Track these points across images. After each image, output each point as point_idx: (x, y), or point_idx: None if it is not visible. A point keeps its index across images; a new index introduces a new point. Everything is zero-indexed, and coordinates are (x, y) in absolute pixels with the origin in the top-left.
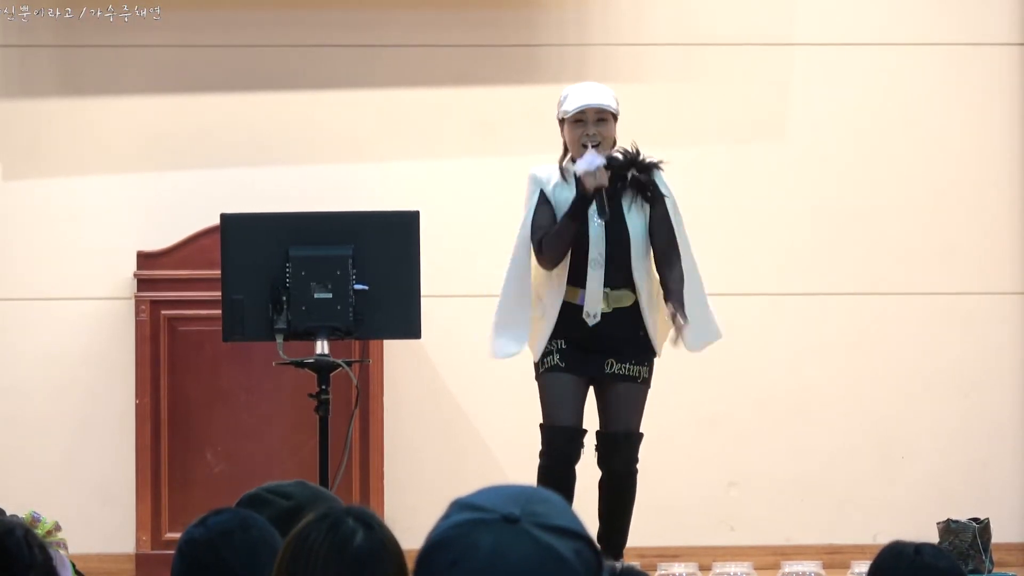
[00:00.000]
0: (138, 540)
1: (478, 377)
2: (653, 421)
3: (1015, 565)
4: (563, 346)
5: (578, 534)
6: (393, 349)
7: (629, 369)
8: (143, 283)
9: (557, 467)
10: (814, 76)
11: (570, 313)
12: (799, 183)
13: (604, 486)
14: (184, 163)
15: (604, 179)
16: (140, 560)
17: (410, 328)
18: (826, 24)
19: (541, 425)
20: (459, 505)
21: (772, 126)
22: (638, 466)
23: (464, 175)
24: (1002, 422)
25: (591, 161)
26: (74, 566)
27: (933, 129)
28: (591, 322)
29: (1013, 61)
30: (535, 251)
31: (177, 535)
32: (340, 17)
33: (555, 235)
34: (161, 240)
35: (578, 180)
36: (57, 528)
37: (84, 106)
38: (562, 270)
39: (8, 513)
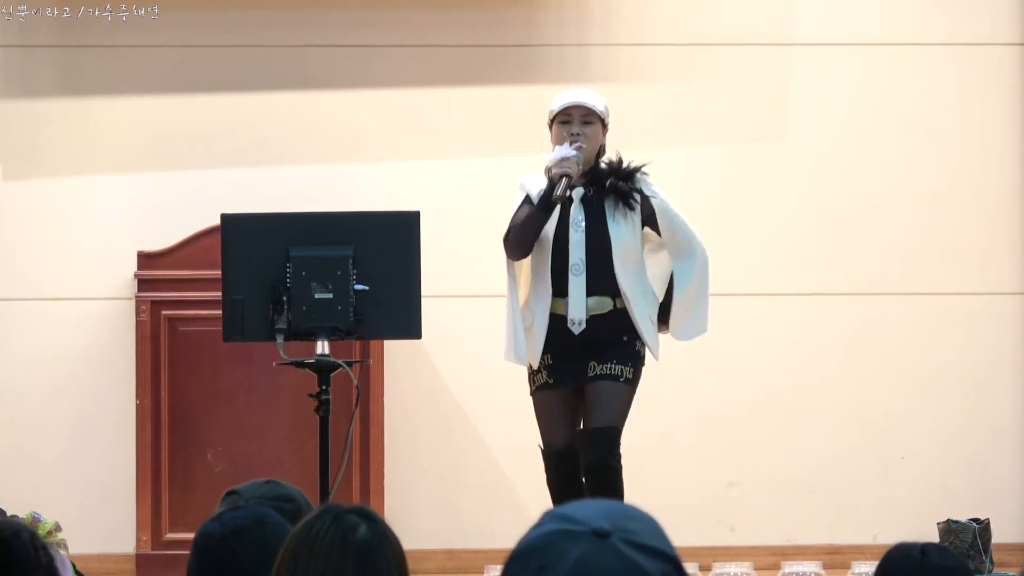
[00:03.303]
0: (138, 540)
1: (478, 377)
2: (653, 421)
3: (1015, 566)
4: (550, 361)
5: (668, 556)
6: (393, 349)
7: (610, 368)
8: (143, 283)
9: (556, 483)
10: (814, 76)
11: (557, 325)
12: (799, 183)
13: (586, 482)
14: (184, 163)
15: (571, 169)
16: (140, 560)
17: (410, 328)
18: (826, 24)
19: (539, 445)
20: (552, 515)
21: (772, 126)
22: (620, 462)
23: (464, 175)
24: (1002, 422)
25: (559, 151)
26: (74, 566)
27: (933, 129)
28: (576, 330)
29: (1013, 61)
30: (503, 241)
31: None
32: (340, 17)
33: (521, 224)
34: (161, 240)
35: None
36: (57, 528)
37: (84, 106)
38: (546, 280)
39: (8, 513)
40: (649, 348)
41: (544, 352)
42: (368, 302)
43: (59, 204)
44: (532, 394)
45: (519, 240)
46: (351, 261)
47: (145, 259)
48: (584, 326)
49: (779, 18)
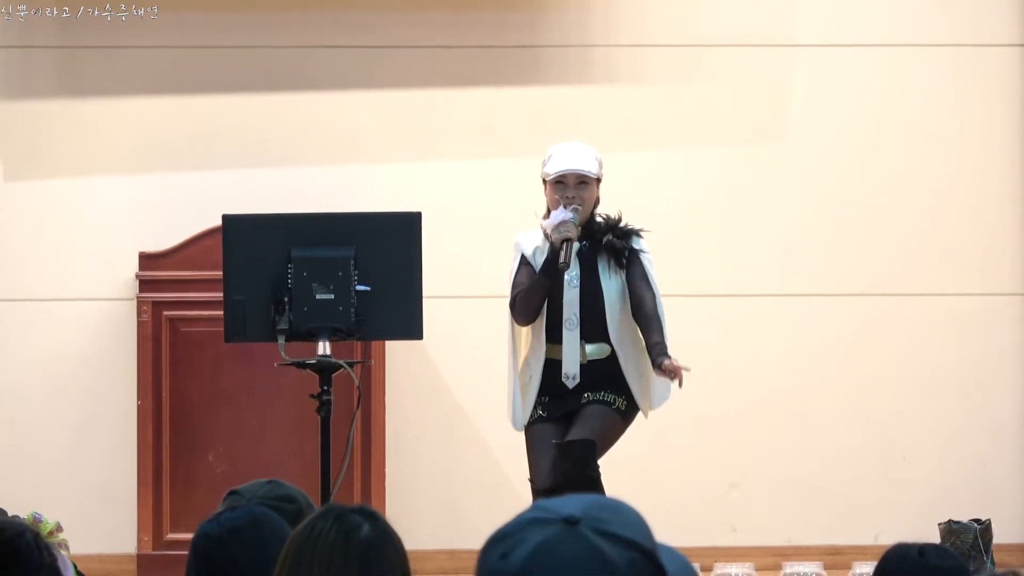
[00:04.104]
0: (139, 541)
1: (479, 377)
2: (653, 421)
3: (1017, 566)
4: (546, 400)
5: (639, 546)
6: (395, 350)
7: (604, 396)
8: (145, 284)
9: None
10: (814, 76)
11: (552, 369)
12: (799, 183)
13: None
14: (185, 164)
15: (571, 232)
16: (141, 561)
17: (412, 329)
18: (826, 24)
19: (528, 479)
20: (535, 506)
21: (772, 126)
22: (598, 472)
23: (465, 176)
24: (1003, 422)
25: (556, 215)
26: (75, 567)
27: (933, 130)
28: (571, 384)
29: (1014, 62)
30: (509, 307)
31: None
32: (340, 18)
33: (527, 291)
34: (163, 241)
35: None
36: (59, 529)
37: (84, 106)
38: (540, 330)
39: (9, 514)
40: (637, 401)
41: (540, 394)
42: (369, 303)
43: (60, 205)
44: (526, 430)
45: (526, 308)
46: (352, 262)
47: (146, 260)
48: (578, 380)
49: (779, 19)
